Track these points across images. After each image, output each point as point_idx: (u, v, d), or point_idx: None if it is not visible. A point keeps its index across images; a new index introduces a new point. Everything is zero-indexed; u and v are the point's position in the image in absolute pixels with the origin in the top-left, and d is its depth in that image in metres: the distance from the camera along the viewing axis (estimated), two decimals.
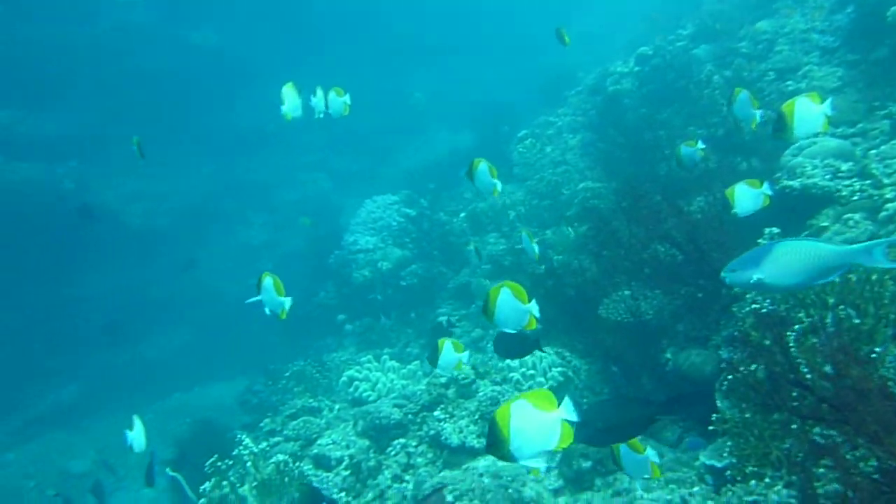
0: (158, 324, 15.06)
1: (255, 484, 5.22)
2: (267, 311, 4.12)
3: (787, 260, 2.74)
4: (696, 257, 4.85)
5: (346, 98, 5.15)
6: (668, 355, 4.85)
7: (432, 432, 5.23)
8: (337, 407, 7.21)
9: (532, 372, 5.56)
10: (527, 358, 5.68)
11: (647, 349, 5.08)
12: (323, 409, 7.22)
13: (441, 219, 10.91)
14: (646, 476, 3.18)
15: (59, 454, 13.12)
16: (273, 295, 4.10)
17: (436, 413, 5.47)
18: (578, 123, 11.32)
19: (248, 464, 5.32)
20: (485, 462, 4.67)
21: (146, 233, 14.65)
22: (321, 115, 5.27)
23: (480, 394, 5.64)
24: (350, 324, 10.48)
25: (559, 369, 5.50)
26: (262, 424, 7.18)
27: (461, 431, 5.13)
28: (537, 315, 3.21)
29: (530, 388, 5.52)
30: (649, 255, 5.20)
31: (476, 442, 5.09)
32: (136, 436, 4.89)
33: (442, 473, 4.49)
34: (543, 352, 5.38)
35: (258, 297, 4.14)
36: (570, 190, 9.32)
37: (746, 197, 4.14)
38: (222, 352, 13.74)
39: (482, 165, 4.30)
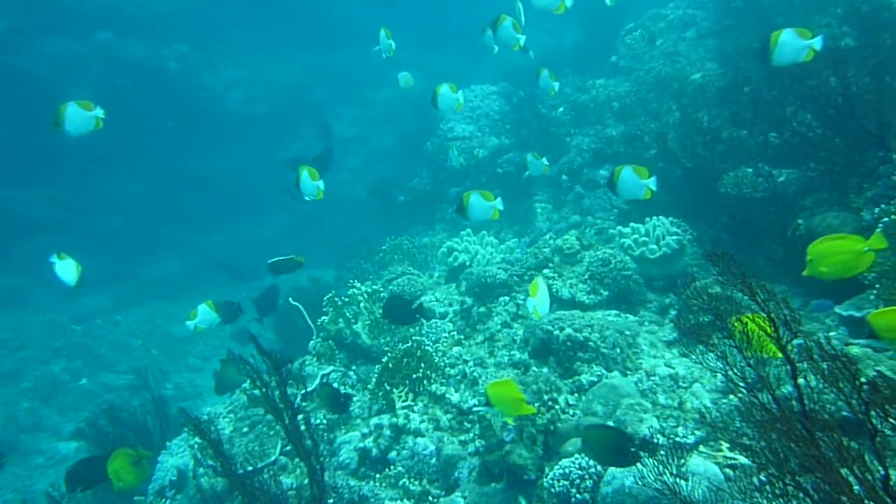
0: (253, 210, 15.66)
1: (367, 322, 5.43)
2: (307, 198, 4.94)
3: None
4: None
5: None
6: (800, 221, 4.64)
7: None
8: (437, 274, 7.36)
9: (645, 239, 5.46)
10: (640, 225, 5.59)
11: (778, 216, 4.88)
12: (423, 277, 7.36)
13: (540, 110, 10.66)
14: None
15: (162, 319, 14.05)
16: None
17: (545, 272, 5.50)
18: (690, 17, 10.68)
19: (362, 304, 5.53)
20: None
21: (246, 119, 15.00)
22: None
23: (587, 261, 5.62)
24: (440, 211, 10.58)
25: (674, 237, 5.38)
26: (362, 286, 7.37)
27: (572, 287, 5.14)
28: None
29: (641, 254, 5.43)
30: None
31: (586, 298, 5.11)
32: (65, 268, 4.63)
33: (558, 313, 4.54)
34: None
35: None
36: (681, 81, 8.88)
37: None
38: (317, 241, 14.14)
39: None
